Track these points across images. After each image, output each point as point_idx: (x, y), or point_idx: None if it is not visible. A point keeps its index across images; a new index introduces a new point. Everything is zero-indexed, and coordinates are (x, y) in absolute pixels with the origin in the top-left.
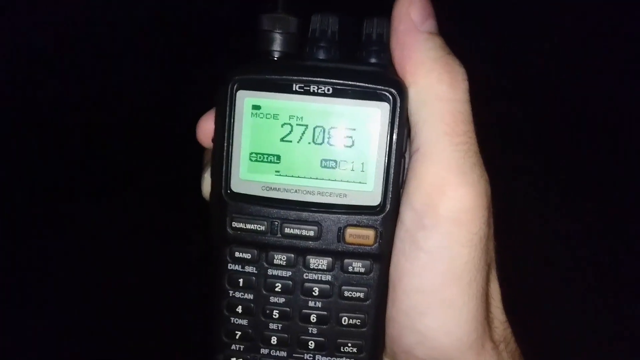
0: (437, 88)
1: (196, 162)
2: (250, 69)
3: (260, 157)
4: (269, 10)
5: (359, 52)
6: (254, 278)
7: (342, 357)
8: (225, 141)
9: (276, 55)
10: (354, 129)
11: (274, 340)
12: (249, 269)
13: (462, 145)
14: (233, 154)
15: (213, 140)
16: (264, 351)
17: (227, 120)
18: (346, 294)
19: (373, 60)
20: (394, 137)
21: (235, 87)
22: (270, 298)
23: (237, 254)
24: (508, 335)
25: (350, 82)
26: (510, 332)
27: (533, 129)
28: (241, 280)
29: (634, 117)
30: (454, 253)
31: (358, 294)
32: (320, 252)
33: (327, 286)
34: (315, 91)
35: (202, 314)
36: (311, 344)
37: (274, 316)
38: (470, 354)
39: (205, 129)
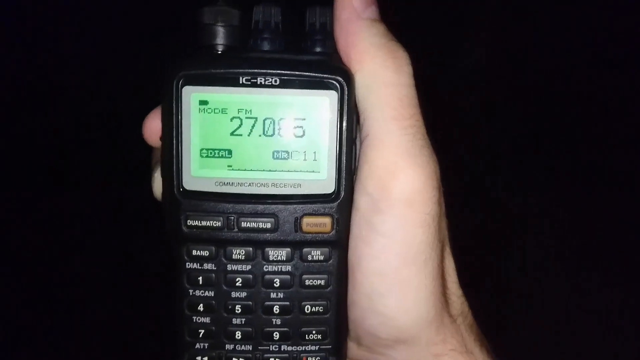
0: (382, 74)
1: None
2: (195, 63)
3: (211, 153)
4: (210, 2)
5: (303, 41)
6: (213, 275)
7: (307, 344)
8: (174, 139)
9: (219, 48)
10: (304, 119)
11: (238, 335)
12: (208, 266)
13: (410, 129)
14: (183, 151)
15: (161, 138)
16: (229, 347)
17: (174, 117)
18: (307, 282)
19: (318, 49)
20: (344, 124)
21: (180, 82)
22: (232, 293)
23: (194, 252)
24: (465, 309)
25: (296, 72)
26: (467, 306)
27: (496, 116)
28: (200, 278)
29: (594, 103)
30: (409, 234)
31: (319, 282)
32: (278, 244)
33: (288, 276)
34: (263, 83)
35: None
36: (276, 335)
37: (236, 311)
38: (430, 330)
39: (152, 127)
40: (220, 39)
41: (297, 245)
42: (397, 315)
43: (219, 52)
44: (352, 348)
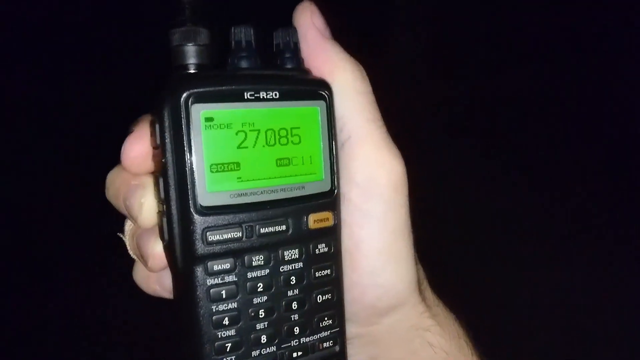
0: (354, 84)
1: None
2: (199, 82)
3: (220, 167)
4: (179, 24)
5: (274, 59)
6: (235, 286)
7: (321, 332)
8: (187, 157)
9: (192, 68)
10: (299, 127)
11: (263, 338)
12: (229, 278)
13: (383, 127)
14: (195, 169)
15: (158, 159)
16: (255, 353)
17: (184, 135)
18: (317, 274)
19: (289, 66)
20: (333, 129)
21: (189, 101)
22: (254, 299)
23: (215, 268)
24: (422, 271)
25: (293, 86)
26: (422, 268)
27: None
28: (223, 292)
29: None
30: (397, 214)
31: (326, 271)
32: (291, 243)
33: (301, 272)
34: (265, 97)
35: None
36: (296, 329)
37: (260, 316)
38: (417, 292)
39: (135, 151)
40: (193, 59)
41: (306, 241)
42: (394, 284)
43: (192, 72)
44: (348, 327)
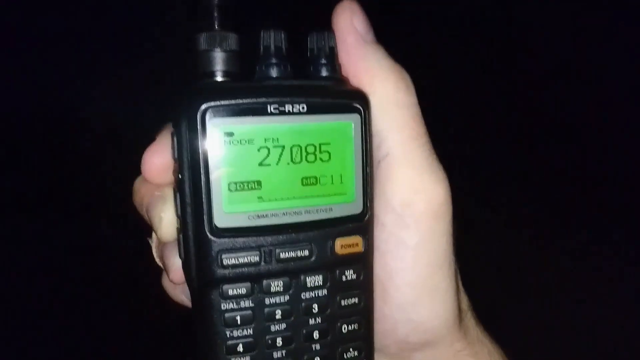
0: (396, 96)
1: None
2: (218, 94)
3: (240, 186)
4: (206, 28)
5: (307, 66)
6: (251, 312)
7: None
8: (202, 174)
9: (219, 75)
10: (329, 143)
11: None
12: (245, 303)
13: (426, 145)
14: (212, 187)
15: (176, 173)
16: None
17: (199, 152)
18: (343, 303)
19: (324, 74)
20: (368, 145)
21: (205, 115)
22: (272, 327)
23: (230, 292)
24: (467, 301)
25: (323, 99)
26: (467, 298)
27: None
28: (238, 317)
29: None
30: (436, 244)
31: (353, 300)
32: (314, 269)
33: (325, 300)
34: (291, 111)
35: None
36: None
37: (277, 344)
38: (455, 329)
39: (155, 163)
40: (220, 66)
41: (332, 267)
42: (429, 320)
43: (219, 79)
44: (378, 358)
